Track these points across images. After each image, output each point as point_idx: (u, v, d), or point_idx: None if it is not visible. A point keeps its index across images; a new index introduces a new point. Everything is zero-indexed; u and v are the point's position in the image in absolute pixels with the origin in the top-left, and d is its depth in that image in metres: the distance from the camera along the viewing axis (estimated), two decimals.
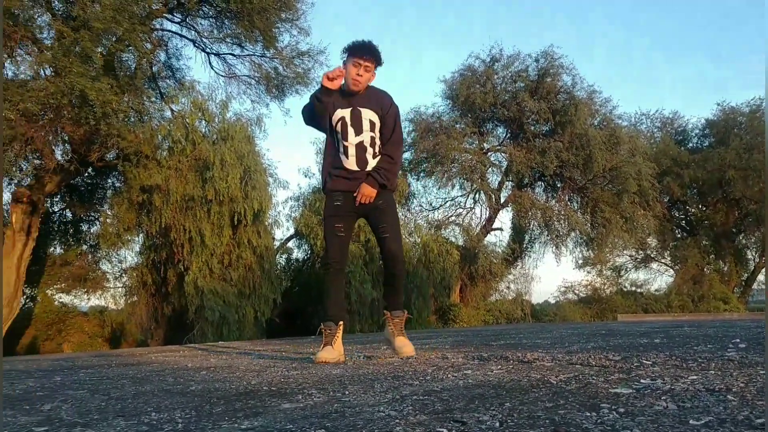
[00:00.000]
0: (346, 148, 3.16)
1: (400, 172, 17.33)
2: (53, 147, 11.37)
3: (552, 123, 16.60)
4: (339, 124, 3.15)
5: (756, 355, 2.31)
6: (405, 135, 18.51)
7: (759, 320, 6.75)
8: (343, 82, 3.12)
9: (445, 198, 18.73)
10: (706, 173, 20.86)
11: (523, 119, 16.96)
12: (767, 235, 20.48)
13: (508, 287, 18.93)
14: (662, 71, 64.08)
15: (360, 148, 3.15)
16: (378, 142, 3.19)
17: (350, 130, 3.13)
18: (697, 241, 22.69)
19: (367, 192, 3.10)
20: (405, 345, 3.12)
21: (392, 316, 3.24)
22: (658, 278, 29.79)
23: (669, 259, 24.57)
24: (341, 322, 3.20)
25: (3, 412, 1.87)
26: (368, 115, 3.15)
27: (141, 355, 5.17)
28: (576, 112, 16.04)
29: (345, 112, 3.14)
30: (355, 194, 3.13)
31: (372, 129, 3.16)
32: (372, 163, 3.17)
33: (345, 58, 3.14)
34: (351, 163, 3.15)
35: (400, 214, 15.93)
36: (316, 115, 3.15)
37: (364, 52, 3.07)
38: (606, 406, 1.42)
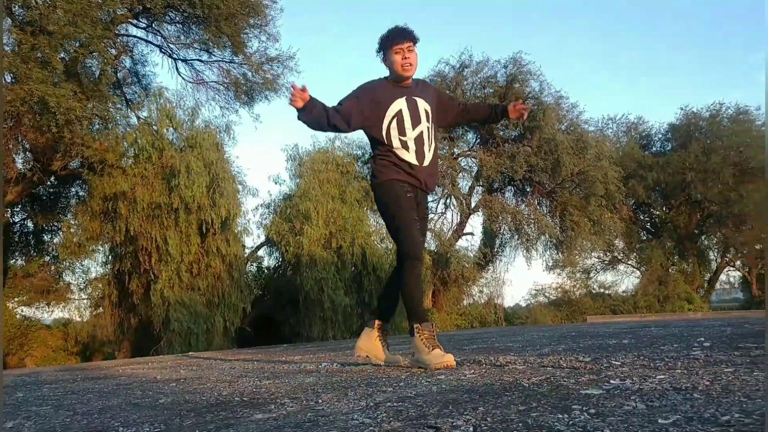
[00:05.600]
0: (405, 143, 2.91)
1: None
2: (14, 155, 11.06)
3: (521, 128, 16.81)
4: (395, 120, 2.91)
5: (720, 354, 2.37)
6: None
7: (722, 319, 6.94)
8: (389, 73, 2.98)
9: None
10: (668, 176, 21.41)
11: (492, 125, 17.14)
12: None
13: (481, 291, 19.10)
14: (631, 77, 65.66)
15: (419, 141, 2.93)
16: (433, 132, 3.02)
17: (408, 124, 2.92)
18: (662, 243, 23.26)
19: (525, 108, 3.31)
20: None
21: (381, 327, 3.05)
22: (625, 279, 30.46)
23: (635, 260, 25.12)
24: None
25: None
26: (423, 105, 2.97)
27: (108, 369, 5.04)
28: (544, 117, 16.29)
29: (401, 103, 2.92)
30: (518, 106, 3.32)
31: (428, 119, 2.98)
32: (429, 156, 2.95)
33: (382, 55, 2.97)
34: (411, 157, 2.91)
35: (371, 221, 16.04)
36: (321, 124, 2.90)
37: (399, 37, 2.89)
38: (577, 408, 1.44)
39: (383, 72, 3.05)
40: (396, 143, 2.92)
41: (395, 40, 2.89)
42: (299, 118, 2.85)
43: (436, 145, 3.04)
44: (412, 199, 2.90)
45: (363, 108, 2.91)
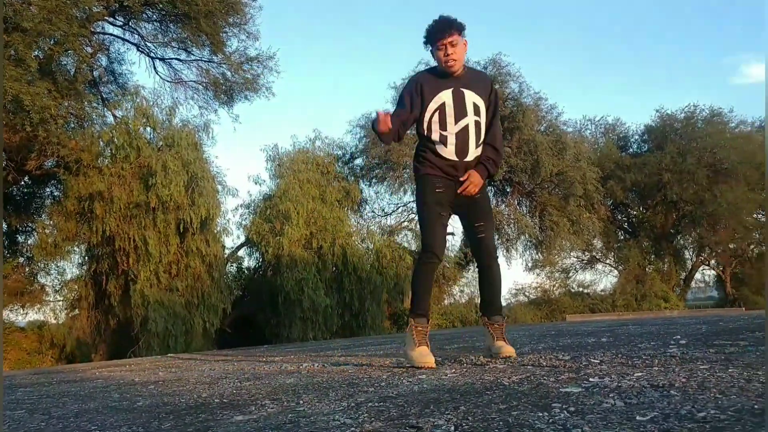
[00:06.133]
0: (444, 138, 2.80)
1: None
2: None
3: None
4: (437, 113, 2.81)
5: (696, 351, 2.41)
6: (357, 141, 18.48)
7: (697, 317, 7.07)
8: (436, 65, 2.89)
9: (398, 203, 18.78)
10: (645, 177, 21.74)
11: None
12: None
13: (461, 291, 19.20)
14: (606, 78, 66.46)
15: (461, 135, 2.80)
16: (483, 128, 2.87)
17: (450, 118, 2.79)
18: (639, 242, 23.61)
19: (477, 181, 2.81)
20: (505, 346, 2.85)
21: (491, 321, 2.97)
22: (604, 279, 30.88)
23: (613, 260, 25.44)
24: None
25: None
26: (472, 97, 2.83)
27: (84, 371, 4.96)
28: (523, 119, 16.43)
29: (446, 95, 2.80)
30: (462, 179, 2.81)
31: (477, 113, 2.83)
32: (474, 152, 2.83)
33: (429, 48, 2.87)
34: (450, 152, 2.80)
35: (352, 221, 16.02)
36: (398, 138, 2.92)
37: (440, 32, 2.77)
38: (557, 406, 1.45)
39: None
40: (435, 137, 2.82)
41: (437, 36, 2.79)
42: (381, 139, 2.92)
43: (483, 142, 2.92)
44: (443, 194, 2.83)
45: (413, 109, 2.86)
